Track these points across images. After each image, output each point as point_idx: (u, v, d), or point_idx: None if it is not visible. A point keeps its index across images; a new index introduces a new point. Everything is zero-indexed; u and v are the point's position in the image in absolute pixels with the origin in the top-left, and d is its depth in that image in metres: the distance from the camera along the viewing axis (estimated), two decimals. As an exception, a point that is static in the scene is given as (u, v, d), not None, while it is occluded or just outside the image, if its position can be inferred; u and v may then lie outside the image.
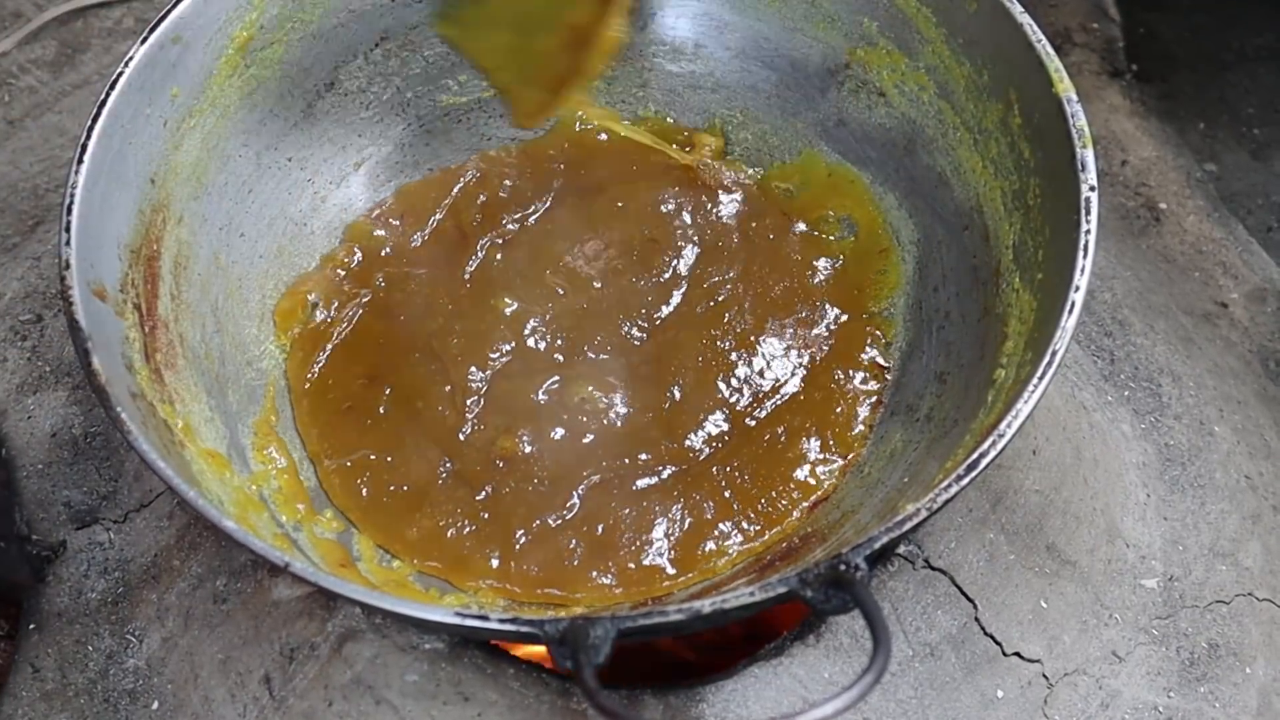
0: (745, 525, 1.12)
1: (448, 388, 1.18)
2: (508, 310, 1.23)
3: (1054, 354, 0.88)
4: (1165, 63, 1.75)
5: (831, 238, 1.27)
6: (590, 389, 1.19)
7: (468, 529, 1.11)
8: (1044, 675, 1.09)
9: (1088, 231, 0.93)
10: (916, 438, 1.09)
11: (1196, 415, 1.28)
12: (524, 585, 1.09)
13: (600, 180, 1.32)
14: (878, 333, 1.21)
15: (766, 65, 1.30)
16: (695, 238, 1.28)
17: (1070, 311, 0.89)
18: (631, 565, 1.10)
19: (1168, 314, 1.39)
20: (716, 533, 1.11)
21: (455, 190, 1.32)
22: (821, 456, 1.15)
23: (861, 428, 1.16)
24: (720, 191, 1.32)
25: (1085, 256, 0.92)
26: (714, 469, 1.14)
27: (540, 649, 1.09)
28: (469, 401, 1.18)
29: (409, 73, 1.30)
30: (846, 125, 1.27)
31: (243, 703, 1.07)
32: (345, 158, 1.29)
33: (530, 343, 1.21)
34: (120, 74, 1.05)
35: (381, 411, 1.18)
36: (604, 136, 1.36)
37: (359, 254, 1.28)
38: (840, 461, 1.14)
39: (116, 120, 1.04)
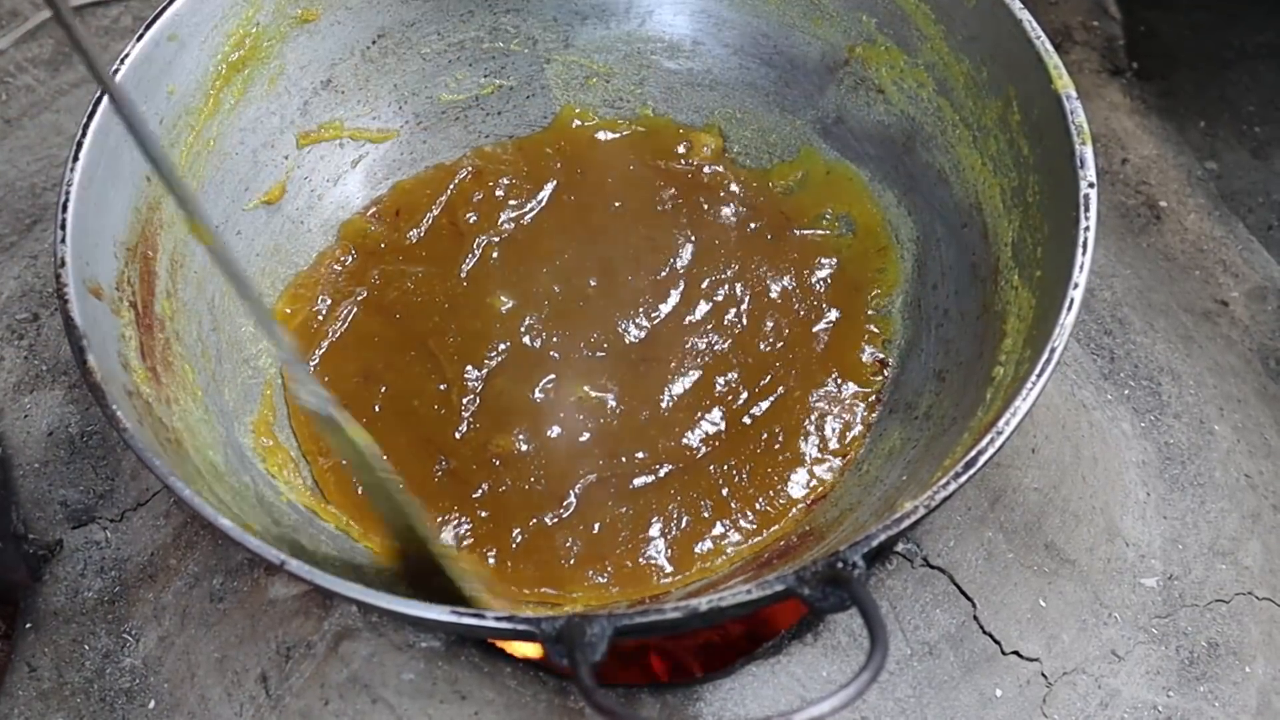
0: (743, 524, 1.12)
1: (443, 386, 1.18)
2: (504, 308, 1.23)
3: (1052, 351, 0.88)
4: (1166, 61, 1.74)
5: (830, 235, 1.27)
6: (586, 388, 1.18)
7: (465, 528, 1.11)
8: (1043, 674, 1.09)
9: (1087, 228, 0.92)
10: (915, 435, 1.08)
11: (1196, 414, 1.28)
12: (521, 584, 1.09)
13: (597, 178, 1.32)
14: (876, 331, 1.21)
15: (765, 63, 1.30)
16: (692, 236, 1.28)
17: (1069, 309, 0.89)
18: (628, 564, 1.09)
19: (1168, 312, 1.39)
20: (714, 531, 1.11)
21: (451, 188, 1.32)
22: (819, 455, 1.15)
23: (860, 426, 1.16)
24: (718, 190, 1.32)
25: (1084, 254, 0.91)
26: (711, 467, 1.14)
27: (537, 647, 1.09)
28: (464, 400, 1.18)
29: (406, 70, 1.30)
30: (845, 123, 1.26)
31: (239, 701, 1.07)
32: (343, 155, 1.29)
33: (526, 341, 1.21)
34: (115, 71, 1.05)
35: (377, 410, 1.18)
36: (600, 135, 1.36)
37: (354, 252, 1.27)
38: (838, 460, 1.14)
39: (112, 118, 1.04)
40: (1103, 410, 1.25)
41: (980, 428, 0.91)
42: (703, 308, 1.23)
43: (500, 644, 1.08)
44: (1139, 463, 1.23)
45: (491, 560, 1.10)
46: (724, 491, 1.12)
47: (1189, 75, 1.74)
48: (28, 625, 1.16)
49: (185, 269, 1.12)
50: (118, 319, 0.99)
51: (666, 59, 1.33)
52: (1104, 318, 1.34)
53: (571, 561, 1.09)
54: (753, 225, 1.29)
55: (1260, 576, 1.19)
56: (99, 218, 1.01)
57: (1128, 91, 1.68)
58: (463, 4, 1.30)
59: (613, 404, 1.18)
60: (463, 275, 1.25)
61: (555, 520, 1.11)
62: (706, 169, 1.33)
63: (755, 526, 1.11)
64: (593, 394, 1.18)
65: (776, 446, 1.15)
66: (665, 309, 1.23)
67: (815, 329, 1.22)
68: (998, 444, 0.85)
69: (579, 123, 1.36)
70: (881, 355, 1.19)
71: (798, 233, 1.28)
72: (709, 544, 1.10)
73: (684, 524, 1.11)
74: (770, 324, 1.22)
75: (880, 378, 1.19)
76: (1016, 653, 1.09)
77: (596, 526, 1.11)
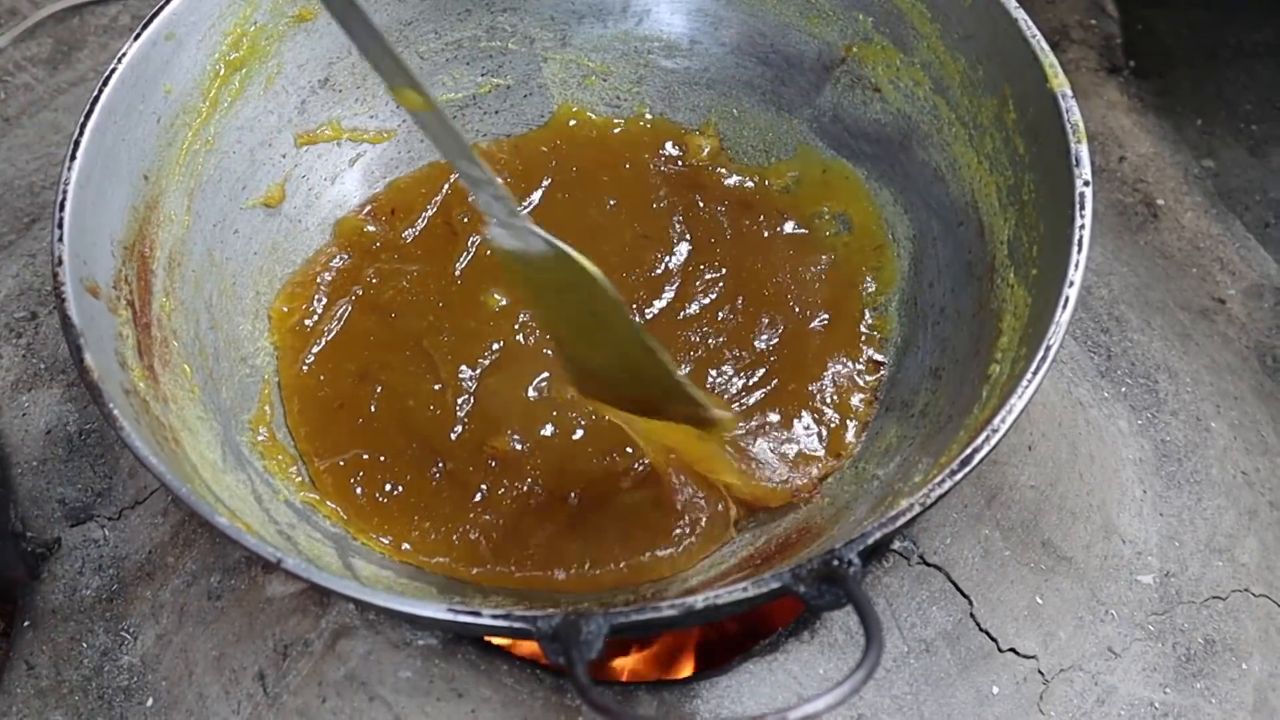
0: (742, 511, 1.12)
1: (438, 385, 1.18)
2: (497, 307, 1.23)
3: (1048, 349, 0.88)
4: (1163, 59, 1.75)
5: (826, 234, 1.27)
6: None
7: (462, 528, 1.11)
8: (1039, 671, 1.09)
9: (1082, 226, 0.93)
10: (911, 433, 1.09)
11: (1193, 411, 1.28)
12: (519, 582, 1.09)
13: (593, 176, 1.32)
14: (872, 329, 1.21)
15: (761, 61, 1.30)
16: (688, 234, 1.28)
17: (1065, 306, 0.89)
18: (625, 560, 1.09)
19: (1165, 310, 1.39)
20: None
21: (445, 187, 1.32)
22: (815, 452, 1.15)
23: (856, 423, 1.16)
24: (714, 189, 1.32)
25: (1080, 251, 0.91)
26: (707, 464, 1.14)
27: (534, 645, 1.09)
28: (459, 400, 1.18)
29: (403, 69, 1.30)
30: (842, 121, 1.26)
31: (237, 699, 1.07)
32: (340, 154, 1.29)
33: (520, 339, 1.21)
34: (113, 70, 1.05)
35: (372, 410, 1.18)
36: (597, 134, 1.36)
37: (350, 250, 1.27)
38: (833, 455, 1.14)
39: (110, 116, 1.04)
40: (1099, 408, 1.25)
41: (976, 425, 0.91)
42: (697, 305, 1.23)
43: (497, 642, 1.08)
44: (1136, 460, 1.23)
45: (490, 558, 1.10)
46: (720, 488, 1.13)
47: (1186, 73, 1.74)
48: (26, 623, 1.17)
49: (183, 268, 1.12)
50: (115, 317, 0.99)
51: (663, 58, 1.33)
52: (1101, 315, 1.34)
53: (569, 558, 1.09)
54: (748, 223, 1.29)
55: (1257, 573, 1.19)
56: (96, 216, 1.01)
57: (1125, 90, 1.69)
58: (460, 3, 1.30)
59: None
60: (457, 274, 1.25)
61: (553, 518, 1.11)
62: (703, 167, 1.33)
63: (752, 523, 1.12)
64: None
65: (773, 441, 1.15)
66: (660, 306, 1.23)
67: (810, 326, 1.22)
68: (994, 441, 0.85)
69: (575, 122, 1.36)
70: (877, 353, 1.19)
71: (793, 230, 1.28)
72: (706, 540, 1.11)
73: (681, 520, 1.11)
74: (765, 321, 1.22)
75: (876, 375, 1.19)
76: (1013, 650, 1.09)
77: (593, 523, 1.11)
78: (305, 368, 1.20)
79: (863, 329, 1.21)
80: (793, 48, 1.27)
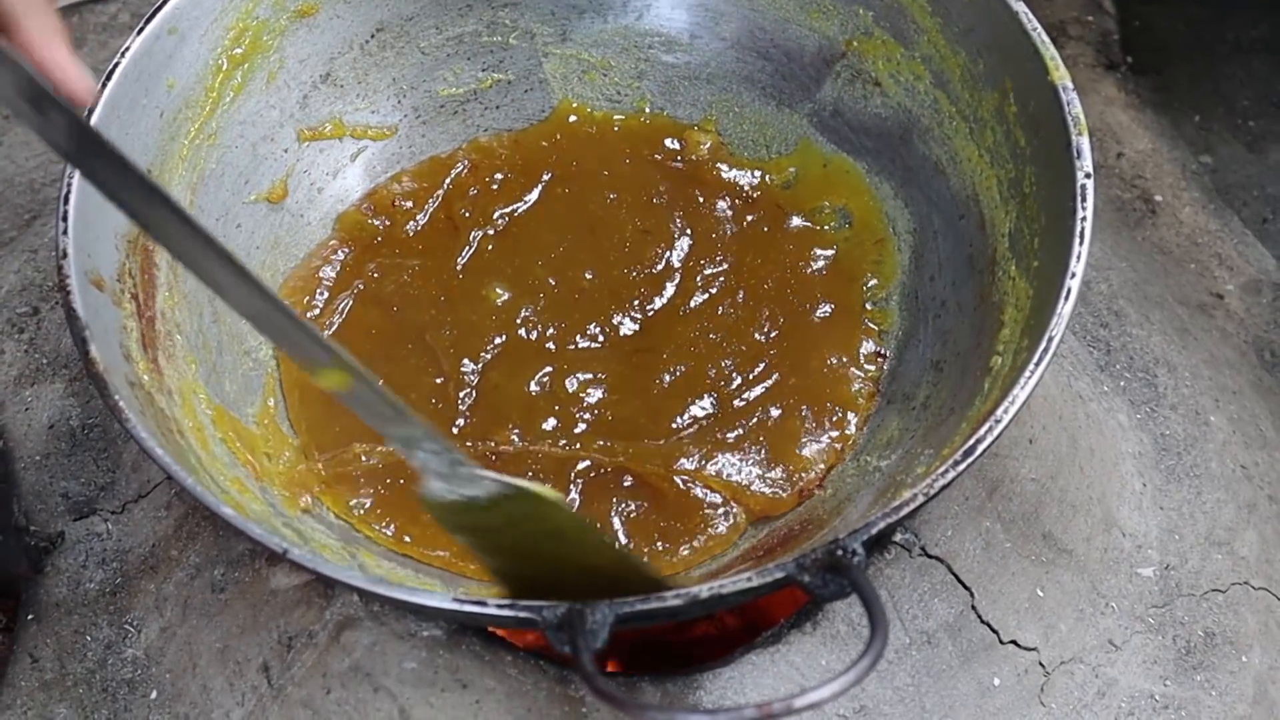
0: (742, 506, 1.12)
1: (440, 379, 1.18)
2: (499, 301, 1.23)
3: (1050, 340, 0.88)
4: (1160, 55, 1.75)
5: (827, 228, 1.27)
6: (582, 380, 1.19)
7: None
8: (1040, 663, 1.09)
9: (1084, 219, 0.93)
10: (913, 425, 1.09)
11: (1192, 405, 1.28)
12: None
13: (593, 171, 1.32)
14: (873, 322, 1.21)
15: (762, 56, 1.30)
16: (688, 229, 1.28)
17: (1066, 298, 0.90)
18: (632, 549, 1.10)
19: (1164, 305, 1.39)
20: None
21: (446, 182, 1.32)
22: (818, 445, 1.15)
23: (857, 416, 1.16)
24: (714, 183, 1.32)
25: (1081, 244, 0.92)
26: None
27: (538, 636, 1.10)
28: (461, 394, 1.18)
29: (404, 64, 1.30)
30: (842, 115, 1.27)
31: (241, 691, 1.07)
32: (341, 149, 1.29)
33: (522, 334, 1.21)
34: (117, 65, 1.05)
35: None
36: (597, 129, 1.36)
37: (351, 245, 1.27)
38: (835, 448, 1.15)
39: (113, 111, 1.04)
40: (1099, 401, 1.25)
41: (978, 417, 0.91)
42: (698, 300, 1.24)
43: (501, 632, 1.08)
44: (1135, 454, 1.23)
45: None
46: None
47: (1183, 69, 1.74)
48: (30, 617, 1.17)
49: (185, 262, 1.12)
50: (119, 310, 0.99)
51: (664, 52, 1.34)
52: (1100, 310, 1.34)
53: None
54: (749, 218, 1.29)
55: (1256, 566, 1.20)
56: (100, 210, 1.01)
57: (1123, 86, 1.69)
58: (461, -2, 1.31)
59: (609, 396, 1.18)
60: (458, 268, 1.26)
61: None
62: (703, 162, 1.33)
63: (753, 507, 1.12)
64: (588, 386, 1.18)
65: (775, 438, 1.16)
66: (661, 301, 1.24)
67: (811, 320, 1.22)
68: (996, 432, 0.85)
69: (575, 117, 1.37)
70: (878, 346, 1.20)
71: (794, 225, 1.28)
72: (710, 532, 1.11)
73: (683, 513, 1.12)
74: (766, 315, 1.22)
75: (877, 368, 1.19)
76: (1014, 642, 1.09)
77: (597, 517, 1.11)
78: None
79: (864, 322, 1.21)
80: (793, 42, 1.27)
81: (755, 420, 1.16)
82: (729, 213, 1.29)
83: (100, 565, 1.18)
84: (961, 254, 1.14)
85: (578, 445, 1.14)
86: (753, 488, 1.13)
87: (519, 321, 1.22)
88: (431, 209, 1.30)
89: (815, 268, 1.25)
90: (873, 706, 1.06)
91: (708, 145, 1.34)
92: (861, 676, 0.69)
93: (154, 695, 1.11)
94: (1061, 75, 0.99)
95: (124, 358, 0.97)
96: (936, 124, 1.17)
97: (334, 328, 1.22)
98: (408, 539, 1.10)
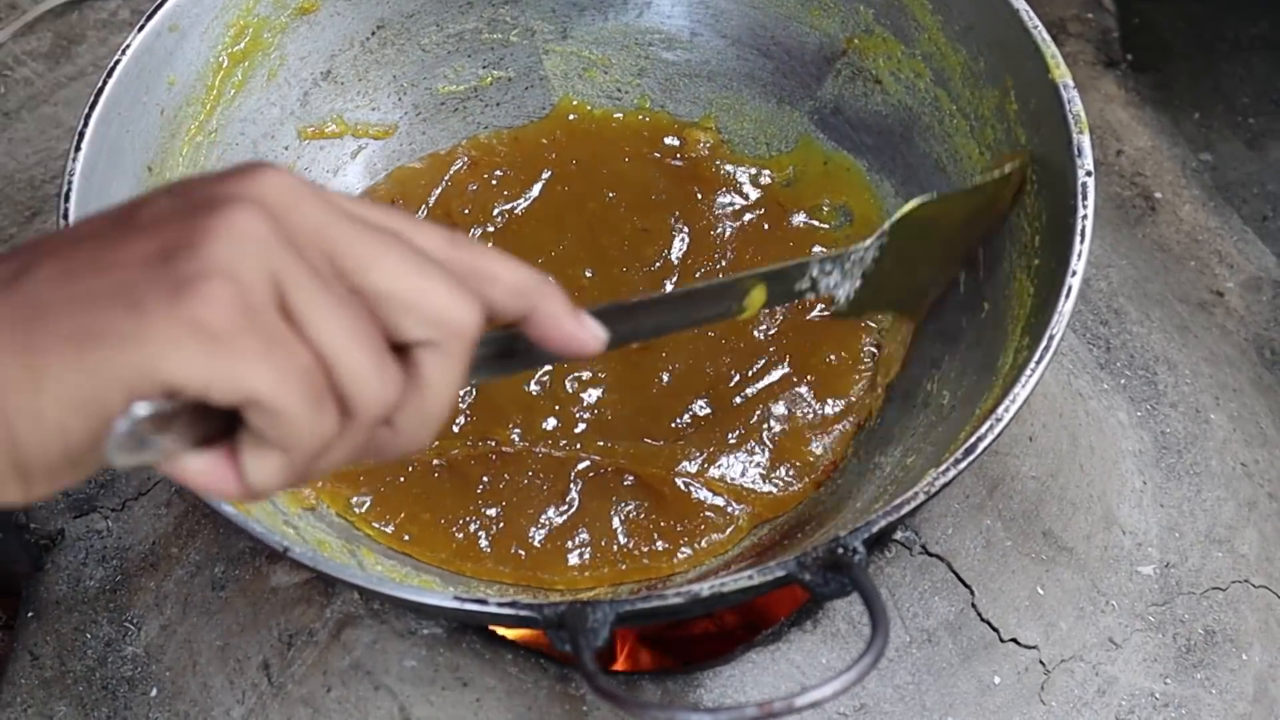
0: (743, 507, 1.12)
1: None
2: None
3: (1051, 339, 0.88)
4: (1160, 52, 1.75)
5: (827, 226, 1.27)
6: (581, 379, 1.19)
7: (465, 521, 1.11)
8: (1041, 661, 1.10)
9: (1085, 216, 0.93)
10: (913, 423, 1.09)
11: (1192, 403, 1.28)
12: (525, 573, 1.10)
13: (593, 169, 1.32)
14: (874, 320, 1.21)
15: (762, 54, 1.30)
16: (687, 227, 1.28)
17: (1068, 296, 0.90)
18: (630, 550, 1.10)
19: (1164, 302, 1.39)
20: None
21: (446, 179, 1.31)
22: (817, 442, 1.15)
23: (858, 414, 1.16)
24: (714, 181, 1.32)
25: (1082, 241, 0.92)
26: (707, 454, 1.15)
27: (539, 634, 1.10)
28: (460, 392, 1.17)
29: (405, 61, 1.30)
30: (843, 113, 1.27)
31: (241, 689, 1.08)
32: (342, 147, 1.29)
33: (519, 332, 1.21)
34: (117, 62, 1.05)
35: None
36: (597, 126, 1.36)
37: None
38: (836, 446, 1.15)
39: (114, 108, 1.04)
40: (1099, 399, 1.25)
41: (979, 415, 0.91)
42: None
43: (502, 631, 1.08)
44: (1135, 451, 1.23)
45: (491, 551, 1.10)
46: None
47: (1183, 67, 1.74)
48: (30, 614, 1.17)
49: (186, 259, 1.12)
50: (119, 309, 0.99)
51: (664, 50, 1.34)
52: (1100, 308, 1.34)
53: (574, 549, 1.10)
54: (749, 216, 1.29)
55: (1256, 564, 1.20)
56: (101, 207, 1.00)
57: (1122, 84, 1.69)
58: (462, -5, 1.31)
59: (608, 394, 1.18)
60: (458, 264, 1.25)
61: (556, 511, 1.11)
62: (703, 160, 1.33)
63: (754, 508, 1.12)
64: (587, 385, 1.18)
65: (773, 435, 1.16)
66: (660, 299, 1.23)
67: (810, 318, 1.22)
68: (996, 430, 0.85)
69: (575, 115, 1.36)
70: (879, 345, 1.20)
71: (794, 223, 1.28)
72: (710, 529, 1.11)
73: (684, 510, 1.12)
74: (765, 313, 1.22)
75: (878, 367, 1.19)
76: (1015, 640, 1.10)
77: (597, 515, 1.11)
78: None
79: (864, 320, 1.21)
80: (794, 40, 1.27)
81: (755, 419, 1.16)
82: (729, 210, 1.29)
83: (100, 563, 1.18)
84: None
85: (578, 445, 1.14)
86: (755, 488, 1.13)
87: (518, 318, 1.22)
88: (430, 205, 1.30)
89: (815, 266, 1.25)
90: (873, 704, 1.06)
91: (708, 143, 1.33)
92: (863, 675, 0.69)
93: (154, 693, 1.11)
94: (1062, 73, 0.99)
95: (124, 355, 0.96)
96: (937, 122, 1.17)
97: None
98: (407, 537, 1.10)
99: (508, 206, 1.29)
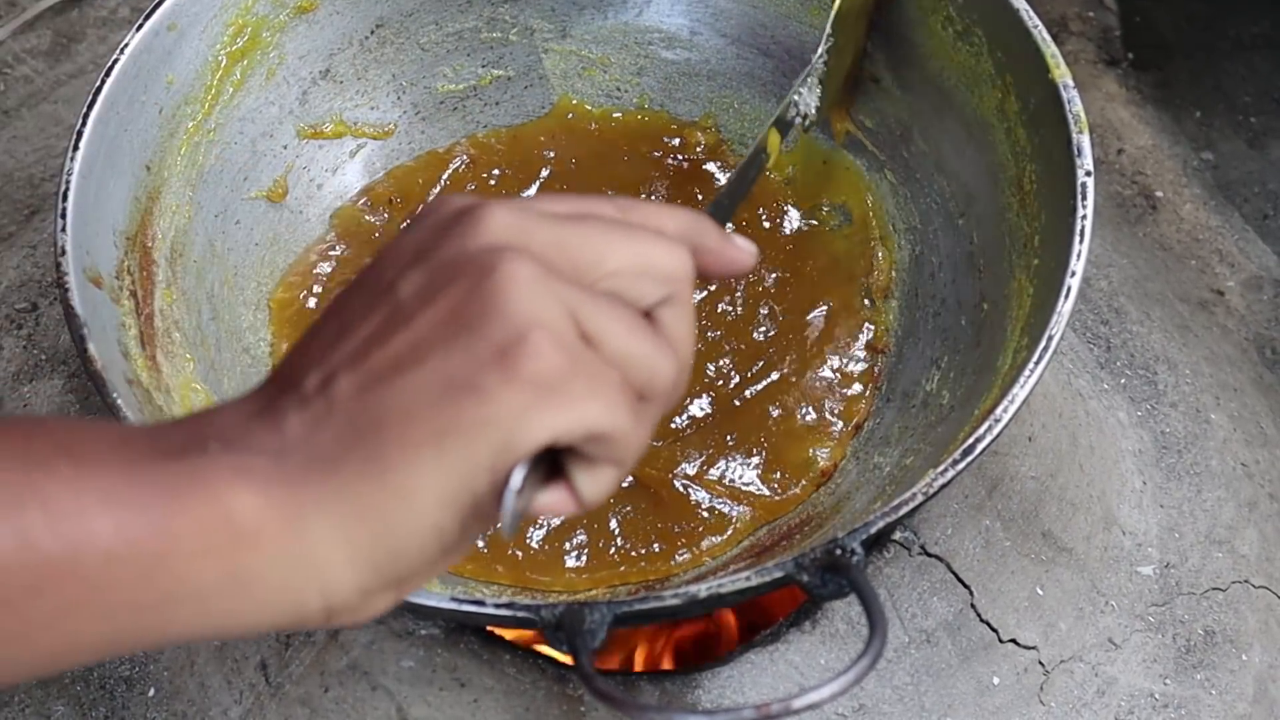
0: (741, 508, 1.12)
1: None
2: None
3: (1050, 339, 0.88)
4: (1161, 51, 1.75)
5: (826, 226, 1.27)
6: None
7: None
8: (1040, 662, 1.09)
9: (1084, 216, 0.93)
10: (912, 423, 1.09)
11: (1193, 403, 1.28)
12: (522, 574, 1.09)
13: (591, 168, 1.32)
14: (872, 319, 1.21)
15: (762, 53, 1.30)
16: (687, 226, 1.27)
17: (1066, 296, 0.89)
18: (628, 553, 1.10)
19: (1164, 302, 1.39)
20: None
21: (444, 178, 1.31)
22: (815, 442, 1.15)
23: (857, 415, 1.16)
24: (713, 181, 1.31)
25: (1082, 241, 0.92)
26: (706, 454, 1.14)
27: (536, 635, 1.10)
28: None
29: (404, 60, 1.30)
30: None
31: (239, 689, 1.07)
32: (340, 145, 1.29)
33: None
34: (116, 61, 1.05)
35: None
36: (595, 125, 1.36)
37: (348, 240, 1.27)
38: (835, 447, 1.15)
39: (112, 107, 1.04)
40: (1099, 399, 1.25)
41: (978, 415, 0.91)
42: (696, 297, 1.23)
43: (499, 632, 1.08)
44: (1135, 451, 1.23)
45: (489, 551, 1.10)
46: (721, 478, 1.13)
47: (1185, 66, 1.74)
48: (28, 614, 1.16)
49: (185, 258, 1.12)
50: (118, 308, 0.99)
51: (664, 49, 1.33)
52: (1100, 307, 1.34)
53: (572, 550, 1.09)
54: (747, 215, 1.29)
55: (1257, 564, 1.19)
56: (99, 207, 1.01)
57: (1123, 82, 1.69)
58: (461, -6, 1.31)
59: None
60: (456, 265, 1.25)
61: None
62: (702, 159, 1.33)
63: (752, 510, 1.12)
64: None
65: (772, 434, 1.15)
66: (659, 299, 1.23)
67: (810, 318, 1.22)
68: (996, 431, 0.85)
69: (574, 114, 1.36)
70: (878, 344, 1.20)
71: (793, 222, 1.28)
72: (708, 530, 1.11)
73: (683, 510, 1.11)
74: (764, 313, 1.22)
75: (877, 366, 1.19)
76: (1014, 641, 1.09)
77: (596, 516, 1.11)
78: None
79: (863, 320, 1.21)
80: (793, 39, 1.27)
81: (755, 420, 1.16)
82: (728, 209, 1.29)
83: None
84: (961, 252, 1.13)
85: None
86: (753, 491, 1.13)
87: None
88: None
89: (814, 265, 1.25)
90: (872, 705, 1.06)
91: (706, 142, 1.33)
92: (861, 676, 0.69)
93: (152, 693, 1.11)
94: (1062, 73, 0.99)
95: (122, 355, 0.96)
96: (936, 121, 1.17)
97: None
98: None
99: (506, 205, 1.29)
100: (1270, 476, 1.26)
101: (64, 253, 0.94)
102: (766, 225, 1.27)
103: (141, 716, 1.10)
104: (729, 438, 1.15)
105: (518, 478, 0.53)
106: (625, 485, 1.12)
